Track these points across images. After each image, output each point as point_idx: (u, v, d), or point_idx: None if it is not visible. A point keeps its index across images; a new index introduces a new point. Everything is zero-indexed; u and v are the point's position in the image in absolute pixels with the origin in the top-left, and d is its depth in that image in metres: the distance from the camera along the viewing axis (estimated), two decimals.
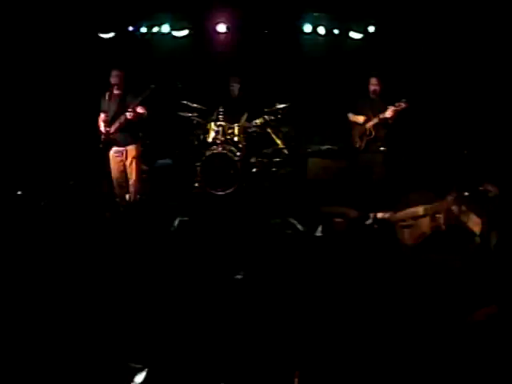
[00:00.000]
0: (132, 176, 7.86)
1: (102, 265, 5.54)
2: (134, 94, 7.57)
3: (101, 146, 7.63)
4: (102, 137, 7.60)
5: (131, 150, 7.79)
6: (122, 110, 7.49)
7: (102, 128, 7.57)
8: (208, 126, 9.17)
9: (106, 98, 7.58)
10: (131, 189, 7.91)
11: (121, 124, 7.52)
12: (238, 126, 9.18)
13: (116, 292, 5.00)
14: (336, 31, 10.14)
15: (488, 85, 7.39)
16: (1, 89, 7.98)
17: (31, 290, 4.95)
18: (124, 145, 7.74)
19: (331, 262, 5.68)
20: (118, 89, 7.62)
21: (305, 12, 10.11)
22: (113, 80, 7.59)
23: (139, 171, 8.00)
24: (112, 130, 7.54)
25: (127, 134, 7.68)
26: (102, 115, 7.59)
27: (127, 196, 7.92)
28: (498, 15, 6.95)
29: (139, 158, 7.95)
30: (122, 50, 10.21)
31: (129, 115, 7.38)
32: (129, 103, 7.50)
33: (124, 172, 7.85)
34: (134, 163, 7.83)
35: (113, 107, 7.59)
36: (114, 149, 7.72)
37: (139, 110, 7.53)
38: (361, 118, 7.92)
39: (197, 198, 8.70)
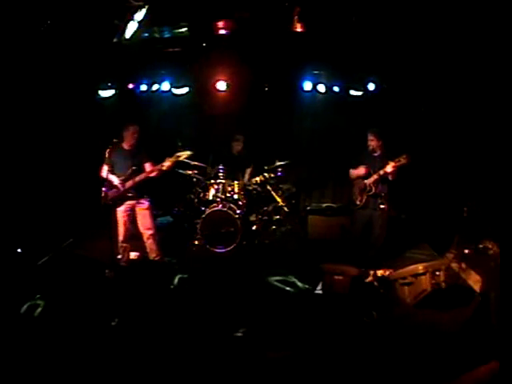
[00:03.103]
0: (149, 226, 7.85)
1: (102, 323, 5.52)
2: (145, 151, 7.74)
3: (110, 202, 7.59)
4: (113, 192, 7.58)
5: (144, 203, 7.81)
6: (133, 166, 7.58)
7: (117, 182, 7.55)
8: (208, 184, 9.26)
9: (116, 152, 7.58)
10: (149, 242, 7.87)
11: (140, 180, 7.57)
12: (238, 183, 9.27)
13: (116, 350, 4.96)
14: (336, 89, 10.24)
15: (488, 138, 7.45)
16: (3, 148, 8.05)
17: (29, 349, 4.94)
18: (137, 199, 7.75)
19: (330, 320, 5.64)
20: (130, 145, 7.69)
21: (305, 70, 10.29)
22: (129, 136, 7.65)
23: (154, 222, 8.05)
24: (127, 186, 7.57)
25: (139, 188, 7.71)
26: (106, 167, 7.56)
27: (132, 254, 7.94)
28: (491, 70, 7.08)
29: (152, 210, 7.98)
30: (121, 108, 10.40)
31: (161, 169, 7.56)
32: (143, 160, 7.65)
33: (130, 229, 7.84)
34: (148, 215, 7.84)
35: (124, 163, 7.63)
36: (127, 203, 7.71)
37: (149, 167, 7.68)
38: (362, 170, 7.90)
39: (197, 256, 8.69)
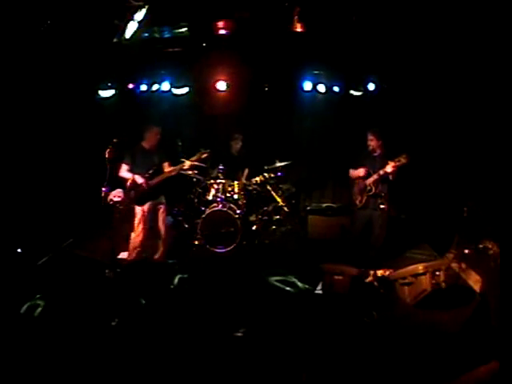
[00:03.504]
0: (165, 225, 8.03)
1: (102, 322, 5.52)
2: (164, 151, 7.94)
3: (132, 200, 7.74)
4: (136, 192, 7.67)
5: (164, 201, 8.01)
6: (154, 165, 7.72)
7: (141, 181, 7.62)
8: (208, 184, 9.26)
9: (136, 152, 7.76)
10: (160, 241, 8.00)
11: (161, 179, 7.72)
12: (238, 183, 9.27)
13: (116, 350, 4.96)
14: (336, 89, 10.21)
15: (488, 138, 7.47)
16: (3, 148, 8.05)
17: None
18: (157, 198, 7.90)
19: (330, 320, 5.64)
20: (151, 145, 7.81)
21: (305, 70, 10.27)
22: (151, 136, 7.80)
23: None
24: (150, 184, 7.65)
25: (158, 187, 7.84)
26: (126, 167, 7.70)
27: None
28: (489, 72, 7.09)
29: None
30: (121, 108, 10.40)
31: (182, 169, 7.90)
32: (162, 159, 7.83)
33: (149, 227, 7.90)
34: (165, 214, 8.05)
35: (145, 162, 7.74)
36: (149, 202, 7.80)
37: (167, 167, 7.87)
38: (361, 171, 7.90)
39: (197, 256, 8.69)
